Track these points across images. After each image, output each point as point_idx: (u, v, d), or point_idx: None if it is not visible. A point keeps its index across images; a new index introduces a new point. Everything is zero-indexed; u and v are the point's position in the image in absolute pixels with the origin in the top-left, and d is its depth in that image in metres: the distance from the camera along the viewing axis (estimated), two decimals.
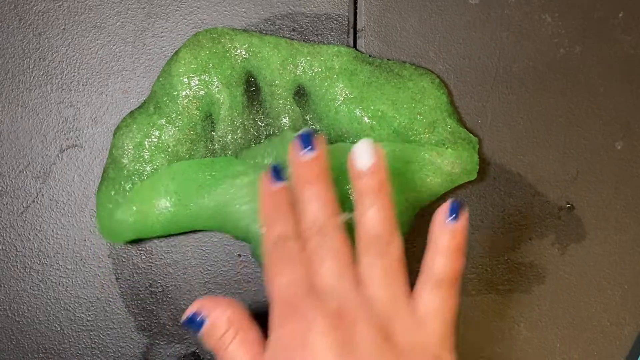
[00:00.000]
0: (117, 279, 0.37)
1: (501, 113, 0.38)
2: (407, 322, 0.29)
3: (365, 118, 0.36)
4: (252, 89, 0.36)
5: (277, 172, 0.32)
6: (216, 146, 0.36)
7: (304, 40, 0.38)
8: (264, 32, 0.37)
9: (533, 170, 0.38)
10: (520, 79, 0.38)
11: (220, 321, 0.30)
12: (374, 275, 0.30)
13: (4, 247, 0.37)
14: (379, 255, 0.30)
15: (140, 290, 0.37)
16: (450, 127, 0.36)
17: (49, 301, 0.37)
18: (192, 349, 0.37)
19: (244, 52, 0.36)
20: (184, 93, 0.35)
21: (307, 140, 0.31)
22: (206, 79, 0.36)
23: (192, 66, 0.35)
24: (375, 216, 0.30)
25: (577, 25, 0.38)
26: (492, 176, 0.38)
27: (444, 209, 0.31)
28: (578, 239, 0.39)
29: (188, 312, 0.31)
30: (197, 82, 0.35)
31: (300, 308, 0.29)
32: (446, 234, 0.31)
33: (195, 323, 0.31)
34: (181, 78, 0.35)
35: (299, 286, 0.29)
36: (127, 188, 0.35)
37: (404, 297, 0.30)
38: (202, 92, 0.35)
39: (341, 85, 0.36)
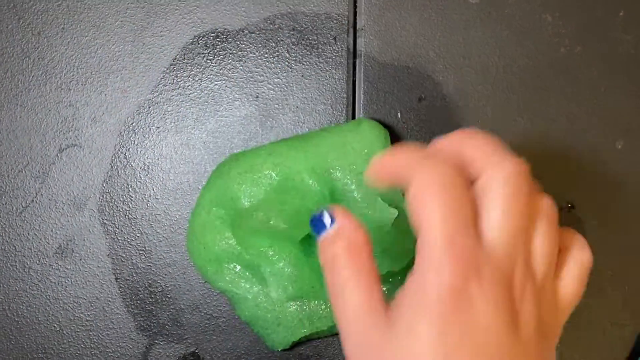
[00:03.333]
0: (116, 278, 0.37)
1: (501, 112, 0.38)
2: (553, 308, 0.26)
3: None
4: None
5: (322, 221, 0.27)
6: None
7: (302, 40, 0.37)
8: (264, 31, 0.37)
9: (533, 170, 0.38)
10: (520, 79, 0.38)
11: (344, 233, 0.26)
12: (542, 249, 0.25)
13: (3, 247, 0.37)
14: (548, 225, 0.25)
15: (139, 290, 0.37)
16: None
17: (48, 301, 0.37)
18: (192, 349, 0.37)
19: (274, 174, 0.34)
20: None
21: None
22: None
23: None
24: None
25: (577, 25, 0.38)
26: None
27: None
28: None
29: (318, 213, 0.27)
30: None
31: (468, 259, 0.23)
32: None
33: (322, 222, 0.27)
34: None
35: (466, 230, 0.24)
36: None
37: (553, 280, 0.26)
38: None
39: None
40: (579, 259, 0.27)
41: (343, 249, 0.26)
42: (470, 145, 0.26)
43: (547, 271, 0.25)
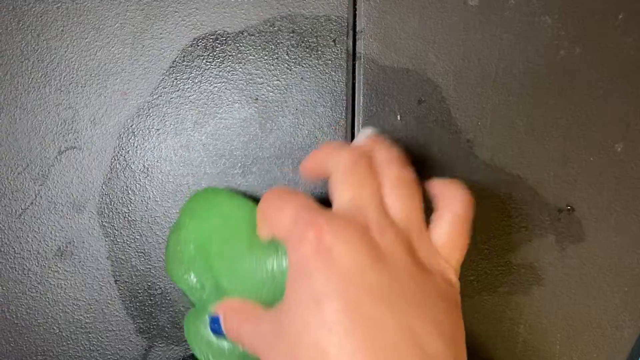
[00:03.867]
0: (115, 281, 0.37)
1: (501, 115, 0.38)
2: (427, 242, 0.29)
3: None
4: None
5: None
6: None
7: (302, 42, 0.37)
8: (263, 33, 0.37)
9: (533, 172, 0.38)
10: (520, 81, 0.38)
11: (227, 317, 0.31)
12: (394, 196, 0.29)
13: (2, 249, 0.37)
14: (397, 177, 0.30)
15: (139, 293, 0.37)
16: None
17: (47, 303, 0.37)
18: (191, 352, 0.37)
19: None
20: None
21: None
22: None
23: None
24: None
25: (577, 27, 0.38)
26: (492, 178, 0.38)
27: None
28: (578, 240, 0.38)
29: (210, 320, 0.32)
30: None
31: (316, 223, 0.27)
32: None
33: (217, 328, 0.32)
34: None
35: (309, 209, 0.28)
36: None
37: (422, 219, 0.30)
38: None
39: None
40: (452, 208, 0.30)
41: (232, 327, 0.30)
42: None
43: (408, 218, 0.29)
